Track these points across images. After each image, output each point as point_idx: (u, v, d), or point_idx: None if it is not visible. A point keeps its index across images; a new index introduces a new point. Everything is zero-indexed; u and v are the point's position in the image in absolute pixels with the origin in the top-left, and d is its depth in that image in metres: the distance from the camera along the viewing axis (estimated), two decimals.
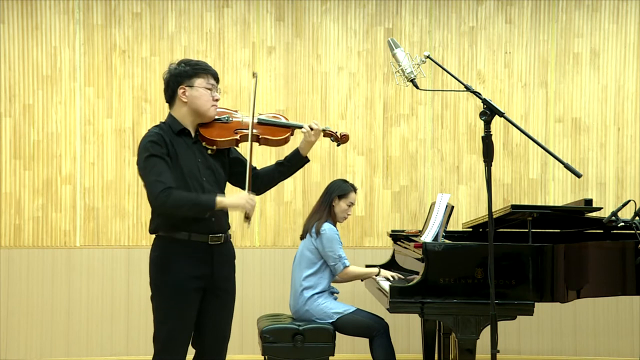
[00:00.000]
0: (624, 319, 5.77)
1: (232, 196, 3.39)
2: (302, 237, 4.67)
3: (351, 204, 4.69)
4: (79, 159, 5.73)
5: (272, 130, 3.56)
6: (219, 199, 3.33)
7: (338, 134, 3.68)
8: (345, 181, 4.77)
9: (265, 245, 5.79)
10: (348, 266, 4.57)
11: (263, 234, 5.79)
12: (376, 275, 4.63)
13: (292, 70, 5.81)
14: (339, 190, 4.67)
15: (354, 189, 4.73)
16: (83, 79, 5.74)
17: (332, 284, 4.71)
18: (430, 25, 5.85)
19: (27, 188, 5.71)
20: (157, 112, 5.74)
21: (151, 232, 3.49)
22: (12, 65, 5.72)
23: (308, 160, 3.67)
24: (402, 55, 3.51)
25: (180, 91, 3.43)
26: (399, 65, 3.51)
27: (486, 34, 5.86)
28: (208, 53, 5.77)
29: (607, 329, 5.77)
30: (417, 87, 3.49)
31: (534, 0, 5.86)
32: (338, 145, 3.73)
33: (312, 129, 3.57)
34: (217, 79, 3.50)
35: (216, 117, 3.51)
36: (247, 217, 3.34)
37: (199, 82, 3.43)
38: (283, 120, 3.63)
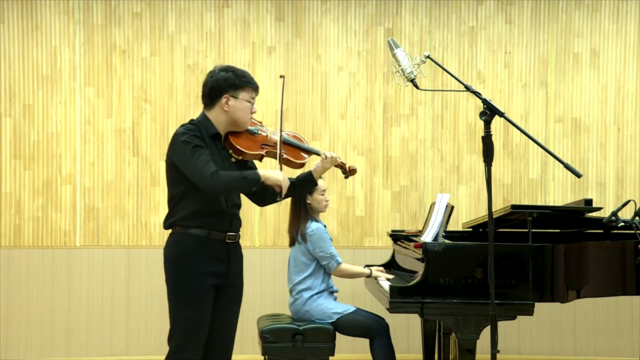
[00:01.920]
0: (624, 319, 5.77)
1: (272, 170, 3.49)
2: (291, 245, 4.65)
3: (324, 192, 4.65)
4: (79, 159, 5.73)
5: (294, 152, 3.65)
6: (262, 172, 3.45)
7: (347, 167, 3.83)
8: None
9: (265, 245, 5.79)
10: (341, 263, 4.56)
11: (263, 234, 5.79)
12: (367, 277, 4.64)
13: (292, 70, 5.81)
14: None
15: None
16: (83, 79, 5.74)
17: (332, 279, 4.68)
18: (430, 25, 5.86)
19: (27, 188, 5.71)
20: (157, 112, 5.74)
21: (166, 227, 3.52)
22: (12, 65, 5.72)
23: (316, 184, 3.83)
24: (402, 55, 3.51)
25: (223, 100, 3.47)
26: (399, 65, 3.51)
27: (486, 34, 5.86)
28: (208, 53, 5.77)
29: (607, 329, 5.77)
30: (417, 87, 3.49)
31: (534, 0, 5.86)
32: (346, 177, 3.89)
33: (332, 157, 3.72)
34: (257, 92, 3.56)
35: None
36: (280, 195, 3.47)
37: (244, 94, 3.49)
38: (305, 145, 3.73)
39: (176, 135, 3.44)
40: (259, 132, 3.59)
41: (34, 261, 5.68)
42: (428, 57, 3.48)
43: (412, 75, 3.48)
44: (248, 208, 5.68)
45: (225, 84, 3.46)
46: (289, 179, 3.69)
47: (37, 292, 5.67)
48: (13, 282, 5.66)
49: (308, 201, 4.57)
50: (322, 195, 4.61)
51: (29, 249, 5.69)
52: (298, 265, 4.58)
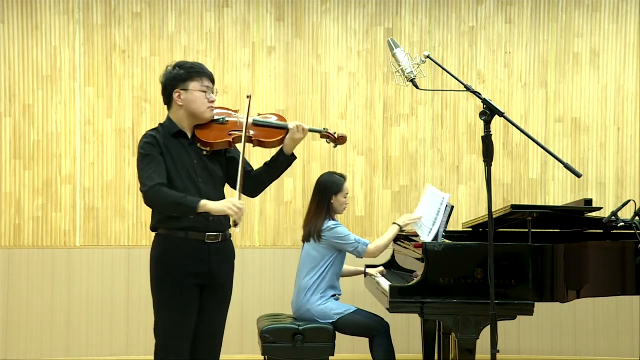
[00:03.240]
0: (624, 319, 5.77)
1: (217, 202, 3.36)
2: (306, 240, 4.64)
3: (347, 194, 4.65)
4: (79, 159, 5.73)
5: (267, 132, 3.57)
6: (203, 203, 3.32)
7: (335, 135, 3.74)
8: (333, 174, 4.69)
9: (265, 245, 5.79)
10: (368, 244, 4.51)
11: (263, 234, 5.79)
12: (400, 231, 4.54)
13: (292, 70, 5.81)
14: (334, 187, 4.59)
15: (345, 178, 4.68)
16: (83, 79, 5.74)
17: (339, 283, 4.68)
18: (430, 25, 5.86)
19: (27, 188, 5.71)
20: (157, 112, 5.74)
21: (152, 229, 3.55)
22: (12, 65, 5.72)
23: (295, 158, 3.66)
24: (402, 55, 3.51)
25: (175, 95, 3.48)
26: (399, 65, 3.51)
27: (486, 34, 5.86)
28: (208, 53, 5.77)
29: (607, 329, 5.77)
30: (417, 87, 3.49)
31: (534, 0, 5.86)
32: (335, 146, 3.78)
33: (297, 126, 3.56)
34: (212, 81, 3.53)
35: (214, 118, 3.54)
36: (235, 224, 3.30)
37: (194, 85, 3.47)
38: (275, 121, 3.62)
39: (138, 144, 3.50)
40: (227, 120, 3.54)
41: (34, 261, 5.68)
42: (428, 57, 3.48)
43: (412, 75, 3.48)
44: (248, 208, 5.68)
45: (174, 80, 3.47)
46: (265, 162, 3.64)
47: (37, 292, 5.67)
48: (13, 282, 5.66)
49: (332, 201, 4.58)
50: (345, 198, 4.63)
51: (29, 249, 5.69)
52: (308, 263, 4.57)
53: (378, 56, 5.83)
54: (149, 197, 3.35)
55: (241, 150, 3.45)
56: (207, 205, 3.32)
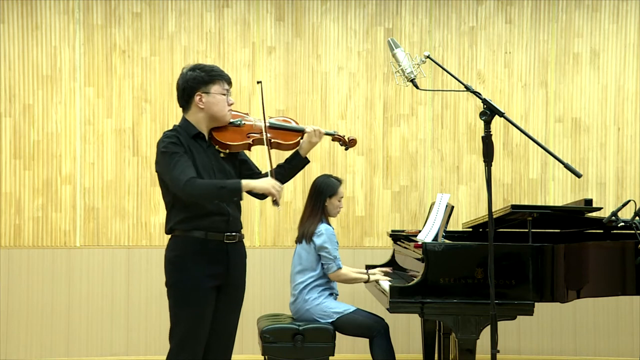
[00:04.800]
0: (624, 319, 5.77)
1: (259, 180, 3.45)
2: (299, 241, 4.65)
3: (341, 198, 4.69)
4: (79, 159, 5.73)
5: (283, 135, 3.63)
6: (245, 181, 3.40)
7: (346, 138, 3.78)
8: (329, 176, 4.72)
9: (265, 245, 5.79)
10: (341, 268, 4.57)
11: (263, 234, 5.79)
12: (365, 282, 4.64)
13: (292, 70, 5.81)
14: (329, 190, 4.63)
15: (340, 182, 4.71)
16: (83, 79, 5.74)
17: (334, 283, 4.69)
18: (430, 25, 5.86)
19: (27, 188, 5.71)
20: (157, 112, 5.74)
21: (167, 232, 3.54)
22: (12, 65, 5.72)
23: (308, 162, 3.73)
24: (402, 55, 3.51)
25: (196, 98, 3.48)
26: (399, 65, 3.51)
27: (486, 34, 5.86)
28: (208, 53, 5.77)
29: (607, 329, 5.77)
30: (417, 87, 3.49)
31: (534, 0, 5.86)
32: (346, 149, 3.83)
33: (314, 130, 3.63)
34: (230, 84, 3.56)
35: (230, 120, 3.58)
36: (275, 202, 3.39)
37: (215, 88, 3.49)
38: (292, 124, 3.69)
39: (157, 145, 3.46)
40: (243, 122, 3.57)
41: (34, 261, 5.68)
42: (428, 57, 3.48)
43: (412, 75, 3.48)
44: (248, 208, 5.68)
45: (194, 82, 3.48)
46: (279, 164, 3.68)
47: (37, 292, 5.67)
48: (13, 282, 5.66)
49: (325, 203, 4.60)
50: (339, 201, 4.66)
51: (29, 249, 5.69)
52: (302, 263, 4.59)
53: (378, 56, 5.83)
54: (187, 189, 3.32)
55: (264, 150, 3.52)
56: (250, 183, 3.40)
